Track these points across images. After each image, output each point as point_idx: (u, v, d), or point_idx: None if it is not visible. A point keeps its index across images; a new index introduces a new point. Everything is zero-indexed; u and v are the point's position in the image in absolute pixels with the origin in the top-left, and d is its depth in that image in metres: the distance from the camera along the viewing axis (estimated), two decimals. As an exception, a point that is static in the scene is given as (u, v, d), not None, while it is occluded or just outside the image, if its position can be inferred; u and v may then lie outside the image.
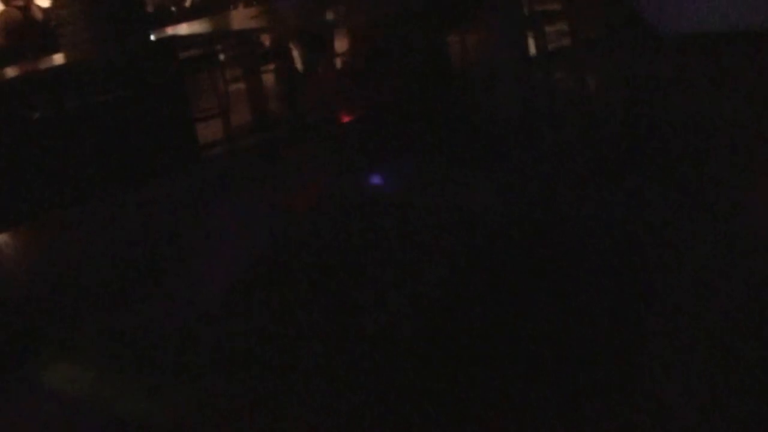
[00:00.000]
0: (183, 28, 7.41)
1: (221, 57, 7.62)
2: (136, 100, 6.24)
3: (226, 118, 7.09)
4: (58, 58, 6.79)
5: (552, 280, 1.17)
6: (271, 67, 8.71)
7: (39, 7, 9.81)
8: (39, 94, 5.97)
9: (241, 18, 8.46)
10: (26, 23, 9.40)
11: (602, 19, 5.36)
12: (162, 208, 1.98)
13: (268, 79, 8.05)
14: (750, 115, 4.89)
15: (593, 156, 5.48)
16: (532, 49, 6.40)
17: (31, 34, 9.44)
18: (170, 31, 7.19)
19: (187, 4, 11.94)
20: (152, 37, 6.79)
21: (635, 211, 1.45)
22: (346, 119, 6.57)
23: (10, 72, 6.69)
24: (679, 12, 4.37)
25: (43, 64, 6.91)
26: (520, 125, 5.36)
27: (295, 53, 8.85)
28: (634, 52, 5.07)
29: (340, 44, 9.40)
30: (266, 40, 10.00)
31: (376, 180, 2.03)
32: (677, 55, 5.05)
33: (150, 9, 9.27)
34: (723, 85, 5.21)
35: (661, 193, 1.99)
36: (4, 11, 9.44)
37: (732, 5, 4.18)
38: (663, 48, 4.94)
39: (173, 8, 12.14)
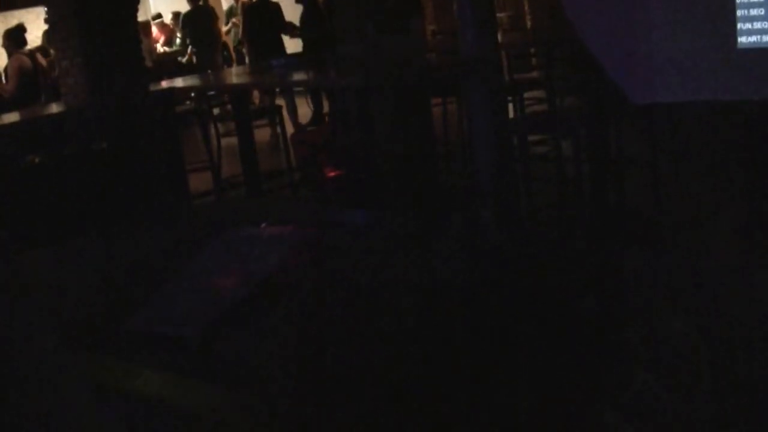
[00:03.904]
0: (179, 82, 7.42)
1: (215, 111, 7.63)
2: (132, 149, 6.22)
3: (216, 170, 7.08)
4: (60, 106, 6.78)
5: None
6: (262, 122, 8.75)
7: (41, 56, 9.83)
8: (40, 139, 5.95)
9: (235, 75, 8.50)
10: (36, 70, 9.41)
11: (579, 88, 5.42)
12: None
13: (259, 133, 8.07)
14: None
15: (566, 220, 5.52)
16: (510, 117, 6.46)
17: (40, 80, 9.47)
18: (167, 84, 7.20)
19: (184, 60, 12.03)
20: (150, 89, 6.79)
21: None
22: (330, 175, 6.58)
23: (18, 116, 6.67)
24: (650, 81, 4.44)
25: (46, 111, 6.90)
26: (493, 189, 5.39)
27: (285, 110, 8.92)
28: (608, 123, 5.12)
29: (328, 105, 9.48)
30: (258, 96, 10.09)
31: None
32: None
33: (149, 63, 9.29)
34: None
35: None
36: (16, 58, 9.44)
37: (701, 76, 4.25)
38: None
39: (170, 65, 12.23)
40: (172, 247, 1.80)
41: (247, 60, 11.30)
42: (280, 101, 9.57)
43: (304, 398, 1.01)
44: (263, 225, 1.54)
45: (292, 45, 10.59)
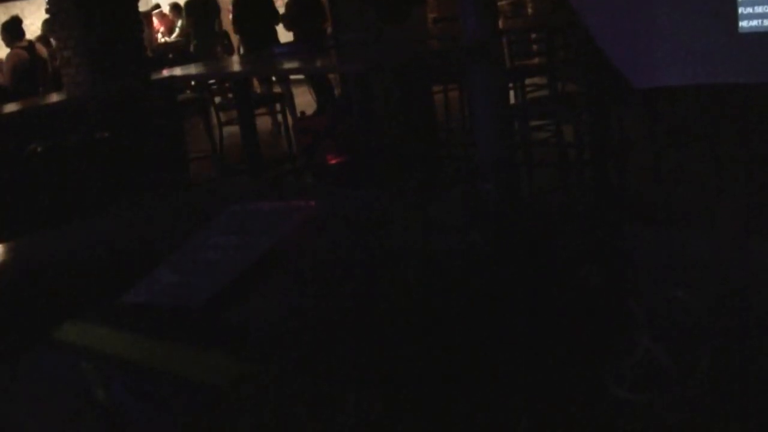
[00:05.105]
0: (179, 71, 7.41)
1: (216, 99, 7.62)
2: (134, 138, 6.22)
3: (218, 158, 7.09)
4: (62, 96, 6.78)
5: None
6: (263, 110, 8.74)
7: (42, 46, 9.80)
8: (43, 129, 5.96)
9: (236, 63, 8.49)
10: (33, 63, 9.39)
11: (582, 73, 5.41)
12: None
13: (261, 122, 8.07)
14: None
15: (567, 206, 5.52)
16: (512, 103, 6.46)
17: (38, 73, 9.44)
18: (167, 73, 7.19)
19: (191, 48, 11.99)
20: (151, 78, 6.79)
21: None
22: (333, 161, 6.59)
23: (18, 108, 6.67)
24: (652, 65, 4.44)
25: (48, 101, 6.90)
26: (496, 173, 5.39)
27: (287, 97, 8.92)
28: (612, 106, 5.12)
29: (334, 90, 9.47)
30: (259, 84, 10.08)
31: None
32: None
33: (149, 54, 9.29)
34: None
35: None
36: (13, 53, 9.41)
37: (703, 60, 4.25)
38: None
39: (171, 55, 12.20)
40: (174, 222, 1.82)
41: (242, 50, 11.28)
42: (278, 90, 9.54)
43: (307, 364, 1.02)
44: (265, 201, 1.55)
45: (288, 35, 10.56)
